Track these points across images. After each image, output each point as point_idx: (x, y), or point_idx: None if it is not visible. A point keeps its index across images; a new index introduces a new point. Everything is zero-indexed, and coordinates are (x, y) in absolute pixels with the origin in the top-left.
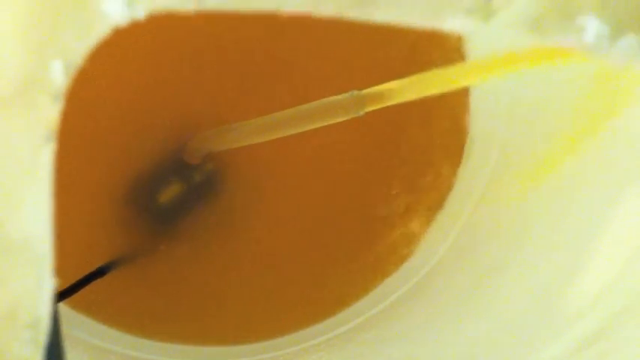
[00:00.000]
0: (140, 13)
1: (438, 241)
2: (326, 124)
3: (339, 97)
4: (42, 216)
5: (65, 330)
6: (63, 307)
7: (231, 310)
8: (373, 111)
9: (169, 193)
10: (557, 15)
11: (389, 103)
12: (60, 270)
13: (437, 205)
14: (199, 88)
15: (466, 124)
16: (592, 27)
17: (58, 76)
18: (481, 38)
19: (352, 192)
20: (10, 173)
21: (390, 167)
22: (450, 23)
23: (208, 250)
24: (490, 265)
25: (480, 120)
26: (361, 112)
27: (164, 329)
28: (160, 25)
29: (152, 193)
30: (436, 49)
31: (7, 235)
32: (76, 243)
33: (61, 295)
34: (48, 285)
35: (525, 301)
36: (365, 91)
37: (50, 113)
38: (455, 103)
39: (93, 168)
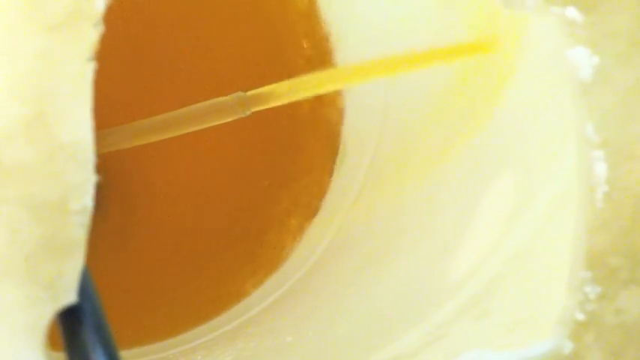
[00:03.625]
0: None
1: (317, 240)
2: (212, 124)
3: (226, 98)
4: (86, 123)
5: None
6: None
7: (120, 314)
8: (255, 115)
9: None
10: None
11: (272, 105)
12: None
13: (315, 207)
14: None
15: (340, 129)
16: None
17: (99, 6)
18: (352, 46)
19: (233, 192)
20: (60, 87)
21: (270, 170)
22: None
23: (95, 258)
24: (370, 254)
25: (354, 125)
26: (247, 113)
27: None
28: None
29: None
30: (312, 53)
31: (58, 138)
32: None
33: None
34: (92, 179)
35: (406, 281)
36: (250, 93)
37: (91, 38)
38: (330, 110)
39: None
